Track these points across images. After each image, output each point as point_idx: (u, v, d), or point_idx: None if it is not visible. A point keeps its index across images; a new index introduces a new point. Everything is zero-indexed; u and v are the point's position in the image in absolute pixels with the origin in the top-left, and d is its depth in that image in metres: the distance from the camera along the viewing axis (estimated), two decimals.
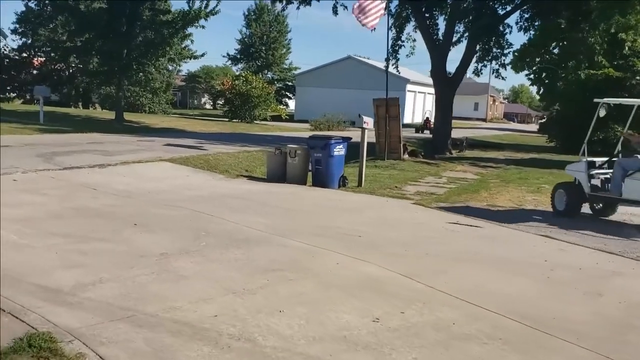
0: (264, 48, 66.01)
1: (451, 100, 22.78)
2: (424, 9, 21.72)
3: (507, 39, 22.69)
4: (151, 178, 11.11)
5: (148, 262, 5.58)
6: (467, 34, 22.06)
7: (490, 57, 22.83)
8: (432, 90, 72.91)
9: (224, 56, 64.82)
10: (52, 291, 4.66)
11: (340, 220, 8.32)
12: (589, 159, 9.34)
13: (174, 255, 5.90)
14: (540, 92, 60.08)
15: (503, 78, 37.54)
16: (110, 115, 32.01)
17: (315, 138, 12.01)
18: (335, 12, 22.62)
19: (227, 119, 37.35)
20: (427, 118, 43.50)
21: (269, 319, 4.38)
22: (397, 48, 22.75)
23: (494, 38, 21.61)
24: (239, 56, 67.28)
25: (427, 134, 33.98)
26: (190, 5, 27.33)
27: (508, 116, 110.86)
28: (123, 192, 9.39)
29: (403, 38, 22.61)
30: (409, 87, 62.58)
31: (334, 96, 57.14)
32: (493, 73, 25.67)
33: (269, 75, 65.67)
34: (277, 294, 4.97)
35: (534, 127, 70.46)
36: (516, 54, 44.63)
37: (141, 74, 28.34)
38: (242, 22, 70.22)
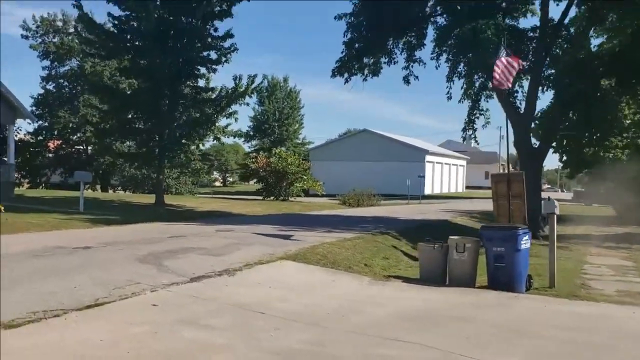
0: (276, 124, 64.98)
1: (539, 172, 20.76)
2: None
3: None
4: (297, 287, 8.69)
5: None
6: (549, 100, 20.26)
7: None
8: (449, 160, 72.48)
9: (238, 134, 63.15)
10: None
11: None
12: None
13: None
14: (563, 159, 58.81)
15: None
16: (143, 198, 29.75)
17: (492, 228, 9.70)
18: (407, 82, 20.99)
19: (260, 197, 35.28)
20: None
21: None
22: (473, 118, 20.93)
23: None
24: (252, 133, 66.02)
25: None
26: (237, 82, 25.68)
27: None
28: (293, 315, 6.95)
29: (481, 107, 20.82)
30: (428, 157, 61.21)
31: (350, 169, 55.58)
32: (474, 139, 23.56)
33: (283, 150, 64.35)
34: None
35: (564, 195, 68.43)
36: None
37: (182, 155, 26.24)
38: (255, 99, 69.51)
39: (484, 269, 9.79)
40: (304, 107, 69.18)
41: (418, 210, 30.01)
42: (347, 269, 11.10)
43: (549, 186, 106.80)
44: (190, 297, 7.51)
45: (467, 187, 78.86)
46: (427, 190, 54.83)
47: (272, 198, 34.30)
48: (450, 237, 10.11)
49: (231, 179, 72.59)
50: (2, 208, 16.54)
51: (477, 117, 20.71)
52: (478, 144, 22.53)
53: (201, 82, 27.48)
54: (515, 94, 20.83)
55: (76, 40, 38.98)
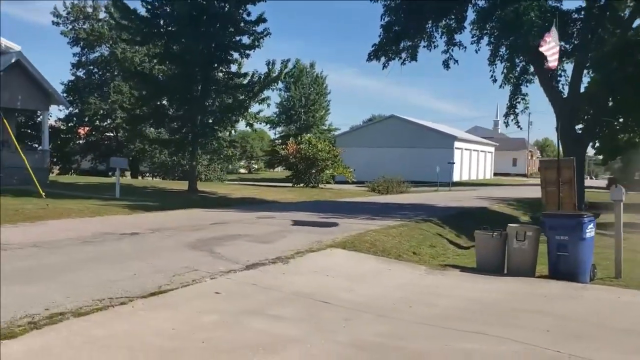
0: (302, 110, 64.59)
1: (582, 159, 20.16)
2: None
3: None
4: (354, 276, 8.46)
5: None
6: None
7: None
8: (478, 147, 71.46)
9: (270, 121, 62.79)
10: None
11: None
12: None
13: None
14: (596, 145, 57.43)
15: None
16: (176, 185, 29.81)
17: (555, 216, 9.32)
18: (447, 66, 20.52)
19: (290, 184, 35.10)
20: None
21: None
22: (515, 103, 20.39)
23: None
24: (278, 119, 65.75)
25: None
26: (270, 67, 25.41)
27: None
28: (359, 305, 6.71)
29: (523, 91, 20.24)
30: (456, 144, 60.43)
31: (377, 156, 55.02)
32: (516, 124, 22.54)
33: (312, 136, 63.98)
34: None
35: (599, 182, 66.98)
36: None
37: (215, 141, 26.10)
38: (281, 85, 69.20)
39: (542, 258, 9.45)
40: (330, 93, 68.78)
41: (451, 197, 29.57)
42: (397, 257, 10.84)
43: None
44: (250, 285, 7.32)
45: (495, 174, 77.84)
46: (456, 177, 54.13)
47: (301, 185, 34.09)
48: (509, 225, 9.78)
49: (256, 166, 72.59)
50: (44, 194, 16.58)
51: (519, 102, 20.16)
52: (521, 129, 22.01)
53: (233, 68, 27.26)
54: (559, 79, 20.25)
55: (106, 27, 39.05)
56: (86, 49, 42.90)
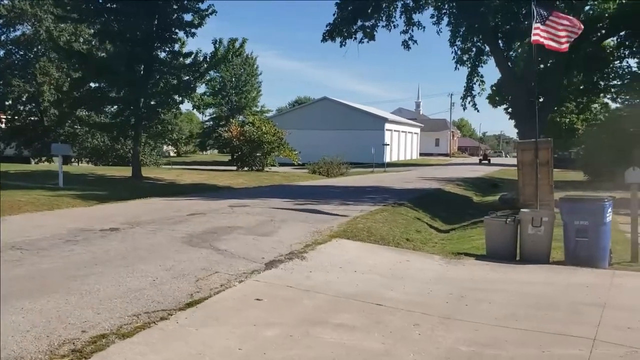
0: (234, 92, 62.71)
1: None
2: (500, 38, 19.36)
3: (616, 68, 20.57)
4: (382, 271, 7.81)
5: None
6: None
7: (598, 91, 20.72)
8: (405, 128, 72.32)
9: (218, 103, 60.33)
10: None
11: None
12: None
13: None
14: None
15: (477, 110, 35.88)
16: (117, 171, 27.90)
17: (575, 200, 9.02)
18: (406, 46, 20.09)
19: (234, 168, 33.83)
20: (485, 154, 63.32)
21: None
22: (472, 85, 20.26)
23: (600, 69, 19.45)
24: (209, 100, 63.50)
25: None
26: (217, 46, 24.09)
27: (460, 150, 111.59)
28: (414, 306, 6.06)
29: (479, 72, 20.12)
30: (387, 125, 60.88)
31: (311, 138, 54.28)
32: (473, 106, 22.65)
33: (241, 119, 62.12)
34: None
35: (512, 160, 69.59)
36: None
37: (159, 125, 24.52)
38: None
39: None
40: (262, 74, 67.25)
41: (400, 178, 29.54)
42: (397, 245, 10.37)
43: (494, 151, 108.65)
44: (286, 287, 6.54)
45: (420, 154, 79.43)
46: (387, 158, 54.52)
47: (246, 169, 32.93)
48: (522, 210, 9.44)
49: (185, 149, 69.97)
50: None
51: (476, 84, 20.07)
52: (478, 111, 21.99)
53: (177, 48, 25.59)
54: (513, 58, 20.28)
55: (29, 4, 35.81)
56: (5, 28, 39.16)
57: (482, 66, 21.04)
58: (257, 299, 5.97)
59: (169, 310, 5.36)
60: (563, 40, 11.07)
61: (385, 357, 4.65)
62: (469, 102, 20.26)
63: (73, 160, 40.96)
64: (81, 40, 34.35)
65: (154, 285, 6.17)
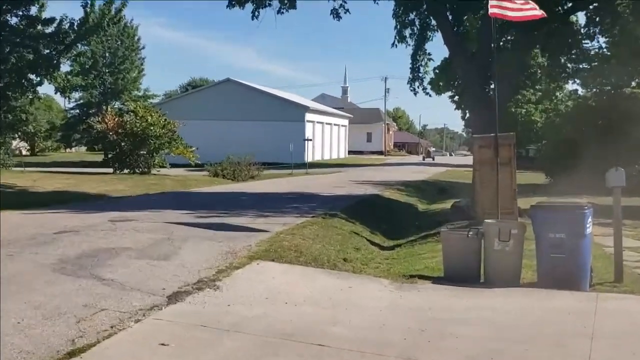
0: (108, 71, 60.87)
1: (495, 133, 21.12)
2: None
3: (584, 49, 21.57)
4: (321, 301, 7.80)
5: None
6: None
7: (566, 74, 21.66)
8: (331, 119, 73.11)
9: (90, 85, 57.73)
10: None
11: None
12: None
13: None
14: (467, 117, 61.51)
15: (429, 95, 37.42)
16: None
17: (549, 208, 9.34)
18: (337, 16, 20.23)
19: (110, 170, 32.87)
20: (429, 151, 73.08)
21: None
22: (418, 65, 20.72)
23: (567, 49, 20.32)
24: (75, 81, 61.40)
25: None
26: (88, 11, 23.35)
27: (397, 147, 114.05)
28: (372, 346, 6.10)
29: (426, 50, 20.62)
30: (308, 116, 61.23)
31: (211, 131, 53.59)
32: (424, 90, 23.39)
33: (117, 105, 60.46)
34: None
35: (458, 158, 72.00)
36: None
37: (10, 114, 23.47)
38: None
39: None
40: (144, 48, 65.92)
41: (327, 183, 29.84)
42: (333, 267, 10.40)
43: (435, 149, 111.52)
44: (198, 327, 6.38)
45: (349, 152, 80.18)
46: (309, 157, 54.78)
47: (127, 171, 32.06)
48: (486, 221, 9.69)
49: (43, 145, 67.09)
50: None
51: (425, 63, 20.59)
52: (430, 95, 22.59)
53: (33, 12, 24.58)
54: (464, 33, 20.93)
55: None
56: None
57: (427, 43, 21.64)
58: (162, 344, 5.79)
59: None
60: (527, 7, 11.56)
61: None
62: (418, 86, 20.76)
63: None
64: None
65: (20, 330, 5.88)
